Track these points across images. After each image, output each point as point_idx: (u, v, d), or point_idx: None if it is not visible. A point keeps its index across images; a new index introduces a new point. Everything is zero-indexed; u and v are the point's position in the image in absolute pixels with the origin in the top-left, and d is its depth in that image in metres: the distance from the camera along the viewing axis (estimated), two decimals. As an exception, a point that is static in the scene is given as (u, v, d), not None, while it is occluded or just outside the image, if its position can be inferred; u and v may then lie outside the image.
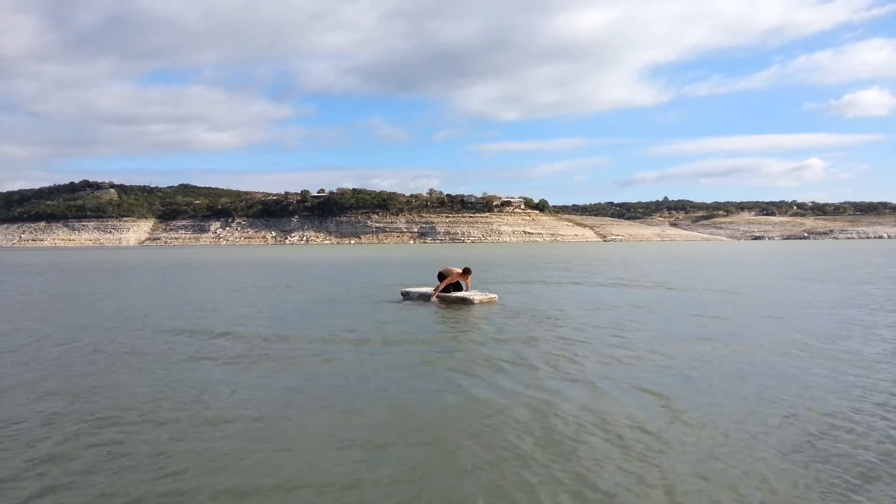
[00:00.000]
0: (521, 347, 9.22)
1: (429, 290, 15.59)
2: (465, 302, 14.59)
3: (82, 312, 14.62)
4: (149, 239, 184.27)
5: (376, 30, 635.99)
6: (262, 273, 32.19)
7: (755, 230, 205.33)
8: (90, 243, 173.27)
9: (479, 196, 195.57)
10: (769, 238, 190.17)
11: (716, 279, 24.76)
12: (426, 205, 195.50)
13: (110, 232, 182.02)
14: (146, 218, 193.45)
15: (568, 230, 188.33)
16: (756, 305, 15.19)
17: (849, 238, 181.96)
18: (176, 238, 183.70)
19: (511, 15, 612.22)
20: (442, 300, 14.88)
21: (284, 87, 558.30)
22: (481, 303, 14.64)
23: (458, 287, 15.38)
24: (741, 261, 43.45)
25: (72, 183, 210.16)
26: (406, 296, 15.89)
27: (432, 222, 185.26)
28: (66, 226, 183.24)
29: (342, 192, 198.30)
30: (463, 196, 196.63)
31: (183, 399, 6.43)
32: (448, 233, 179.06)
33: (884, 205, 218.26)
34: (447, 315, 13.07)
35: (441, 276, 15.58)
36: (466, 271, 15.50)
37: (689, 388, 6.80)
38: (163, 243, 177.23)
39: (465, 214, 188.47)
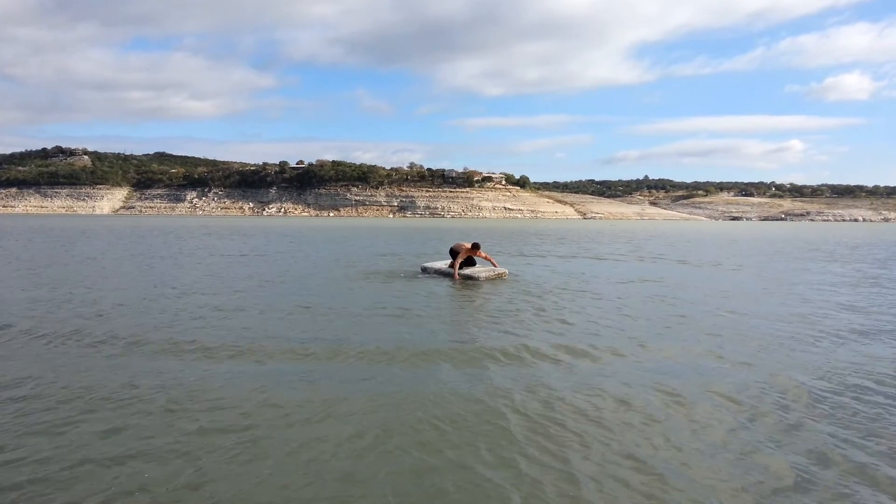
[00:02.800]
0: (575, 324, 8.90)
1: (445, 264, 15.25)
2: (471, 278, 14.12)
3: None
4: (123, 207, 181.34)
5: (363, 1, 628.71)
6: (267, 241, 31.74)
7: (733, 210, 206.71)
8: (63, 210, 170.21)
9: (459, 171, 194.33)
10: (747, 219, 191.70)
11: (715, 254, 25.91)
12: (406, 179, 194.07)
13: (84, 199, 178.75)
14: (121, 186, 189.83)
15: (548, 207, 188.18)
16: (761, 280, 15.81)
17: (825, 220, 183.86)
18: (151, 207, 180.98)
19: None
20: (462, 277, 14.42)
21: (268, 56, 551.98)
22: (488, 278, 14.21)
23: (470, 262, 15.09)
24: (729, 238, 45.25)
25: (44, 149, 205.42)
26: (425, 271, 15.57)
27: (412, 196, 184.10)
28: (39, 192, 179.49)
29: (321, 164, 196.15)
30: (444, 171, 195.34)
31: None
32: (428, 207, 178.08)
33: (860, 188, 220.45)
34: (473, 292, 12.57)
35: (453, 252, 15.20)
36: (475, 246, 14.99)
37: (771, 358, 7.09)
38: (137, 212, 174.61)
39: (445, 189, 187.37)
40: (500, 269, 14.91)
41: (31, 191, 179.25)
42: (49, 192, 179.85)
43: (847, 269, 18.84)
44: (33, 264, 17.31)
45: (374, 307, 10.16)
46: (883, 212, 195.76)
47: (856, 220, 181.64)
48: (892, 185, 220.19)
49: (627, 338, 7.89)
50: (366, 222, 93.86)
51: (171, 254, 21.84)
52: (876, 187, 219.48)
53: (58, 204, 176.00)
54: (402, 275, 15.37)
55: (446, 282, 13.85)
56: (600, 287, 13.41)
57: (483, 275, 14.28)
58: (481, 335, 7.97)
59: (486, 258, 15.18)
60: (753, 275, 17.08)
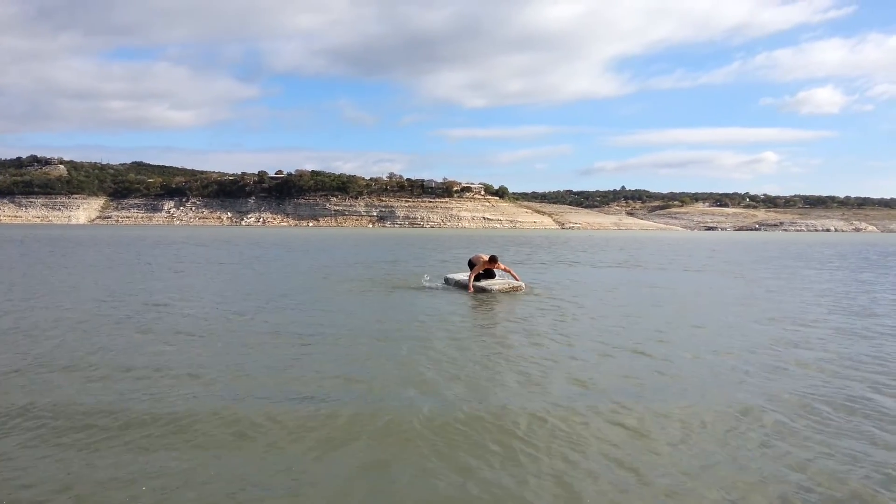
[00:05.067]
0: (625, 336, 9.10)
1: (467, 276, 15.08)
2: (485, 291, 14.07)
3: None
4: (99, 217, 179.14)
5: (348, 12, 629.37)
6: (286, 252, 31.57)
7: (709, 221, 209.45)
8: (38, 220, 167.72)
9: (439, 181, 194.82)
10: (722, 229, 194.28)
11: (707, 262, 27.04)
12: (386, 189, 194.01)
13: (59, 209, 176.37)
14: (97, 196, 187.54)
15: (527, 217, 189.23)
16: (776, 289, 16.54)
17: (798, 230, 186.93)
18: (128, 217, 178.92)
19: (483, 3, 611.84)
20: (476, 290, 14.29)
21: (252, 67, 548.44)
22: (502, 290, 14.09)
23: (489, 274, 15.08)
24: (717, 246, 46.18)
25: (19, 158, 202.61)
26: (447, 282, 15.70)
27: (392, 206, 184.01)
28: (13, 202, 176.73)
29: (300, 174, 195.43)
30: (423, 181, 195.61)
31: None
32: (407, 217, 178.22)
33: (832, 199, 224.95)
34: (499, 306, 12.57)
35: (471, 264, 15.18)
36: (493, 259, 14.90)
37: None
38: (114, 222, 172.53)
39: (424, 199, 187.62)
40: (516, 283, 14.63)
41: (4, 200, 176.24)
42: (24, 201, 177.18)
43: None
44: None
45: (410, 322, 10.20)
46: (854, 222, 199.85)
47: (828, 230, 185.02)
48: (862, 196, 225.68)
49: (682, 350, 8.25)
50: (347, 232, 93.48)
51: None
52: (847, 198, 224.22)
53: (32, 213, 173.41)
54: (426, 286, 15.44)
55: (465, 296, 13.81)
56: (622, 297, 13.92)
57: (497, 287, 14.15)
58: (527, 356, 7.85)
59: (505, 270, 15.05)
60: (765, 282, 17.79)
